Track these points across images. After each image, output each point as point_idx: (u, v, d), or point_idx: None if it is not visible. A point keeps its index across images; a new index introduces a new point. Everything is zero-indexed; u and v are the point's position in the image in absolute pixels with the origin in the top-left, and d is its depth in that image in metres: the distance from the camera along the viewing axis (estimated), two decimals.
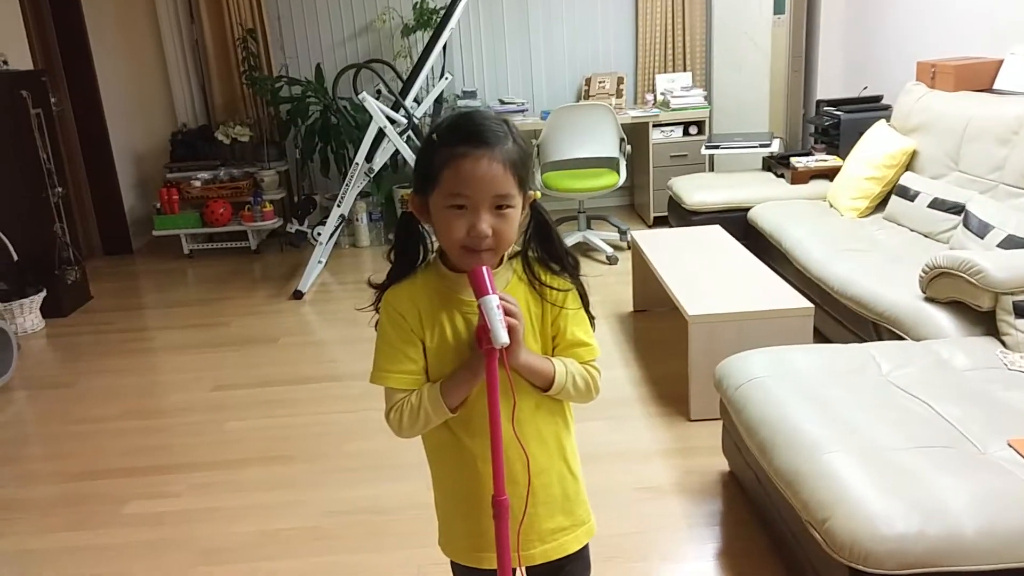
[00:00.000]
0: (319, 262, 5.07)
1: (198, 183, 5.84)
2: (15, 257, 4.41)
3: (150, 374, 3.94)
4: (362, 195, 5.52)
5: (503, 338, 1.18)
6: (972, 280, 2.58)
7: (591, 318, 1.41)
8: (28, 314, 4.47)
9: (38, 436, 3.35)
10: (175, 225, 5.81)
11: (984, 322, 2.62)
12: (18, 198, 4.55)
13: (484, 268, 1.21)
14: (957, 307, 2.71)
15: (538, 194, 1.35)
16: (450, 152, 1.21)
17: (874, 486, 1.73)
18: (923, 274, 2.82)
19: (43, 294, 4.55)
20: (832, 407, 2.10)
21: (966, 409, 2.04)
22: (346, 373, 3.75)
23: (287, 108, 5.94)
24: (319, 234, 5.01)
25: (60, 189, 4.73)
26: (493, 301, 1.20)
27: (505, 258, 1.34)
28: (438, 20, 5.34)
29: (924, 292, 2.84)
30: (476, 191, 1.21)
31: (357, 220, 5.82)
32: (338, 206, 4.97)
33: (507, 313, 1.21)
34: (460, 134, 1.23)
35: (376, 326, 1.37)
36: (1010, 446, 1.88)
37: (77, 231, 5.15)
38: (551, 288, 1.34)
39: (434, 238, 1.34)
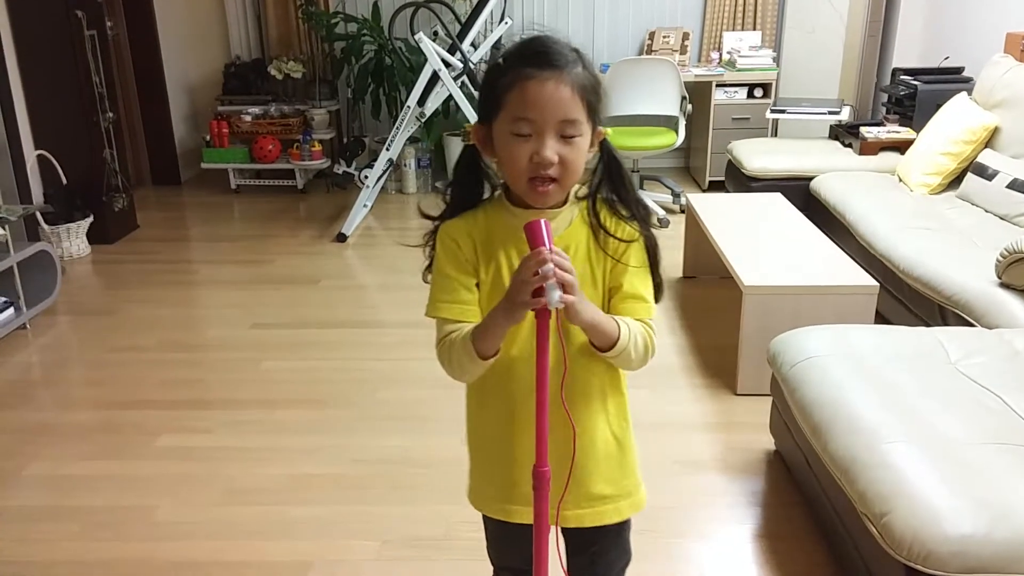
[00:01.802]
0: (364, 206, 4.99)
1: (248, 118, 5.78)
2: (64, 180, 4.41)
3: (191, 307, 3.93)
4: (411, 140, 5.41)
5: (556, 299, 1.09)
6: None
7: (658, 283, 1.29)
8: (74, 239, 4.49)
9: (78, 361, 3.36)
10: (223, 159, 5.77)
11: None
12: (69, 121, 4.53)
13: (543, 221, 1.13)
14: None
15: (609, 131, 1.25)
16: (516, 74, 1.15)
17: (939, 481, 1.61)
18: (1000, 258, 2.64)
19: (90, 220, 4.56)
20: (895, 393, 1.96)
21: None
22: (384, 320, 3.69)
23: (342, 46, 5.82)
24: (366, 177, 4.93)
25: (111, 115, 4.70)
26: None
27: (572, 195, 1.25)
28: None
29: (1000, 277, 2.66)
30: (542, 114, 1.14)
31: (405, 165, 5.72)
32: (387, 150, 4.88)
33: (560, 270, 1.10)
34: (527, 55, 1.16)
35: (428, 269, 1.30)
36: None
37: (127, 159, 5.13)
38: (614, 237, 1.24)
39: (498, 174, 1.26)
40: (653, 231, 1.28)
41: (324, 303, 3.90)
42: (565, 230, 1.24)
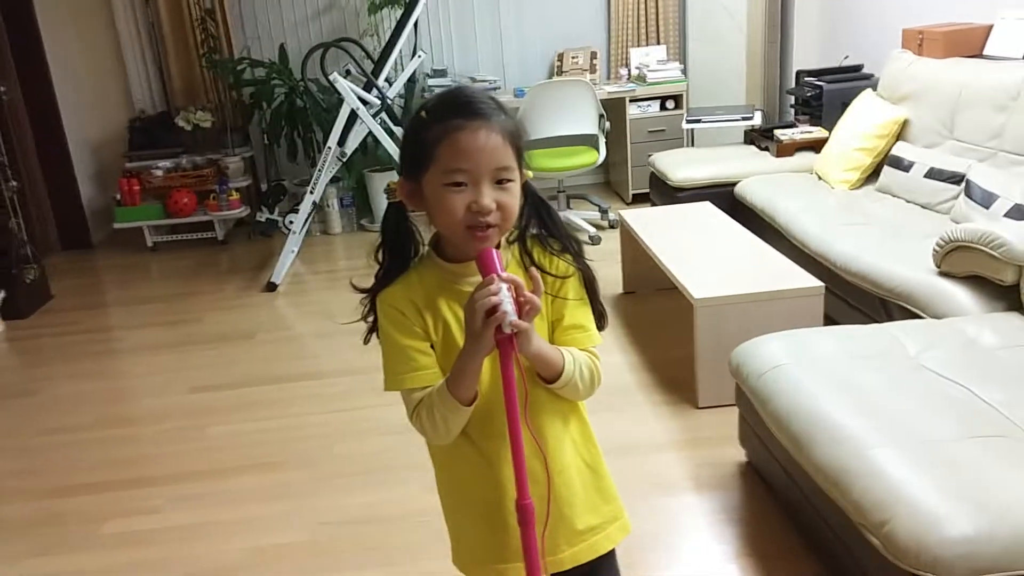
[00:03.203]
0: (291, 251, 4.84)
1: (159, 172, 5.54)
2: None
3: (121, 378, 3.72)
4: (333, 180, 5.29)
5: (508, 321, 1.09)
6: (994, 253, 2.47)
7: (600, 312, 1.31)
8: None
9: (2, 450, 3.11)
10: (137, 217, 5.52)
11: (1005, 297, 2.52)
12: None
13: (493, 250, 1.14)
14: (975, 281, 2.61)
15: (530, 173, 1.25)
16: (445, 126, 1.15)
17: (932, 483, 1.61)
18: (938, 248, 2.71)
19: (1, 295, 4.28)
20: (868, 396, 1.97)
21: (1009, 392, 1.93)
22: (328, 369, 3.56)
23: (250, 91, 5.67)
24: (291, 223, 4.79)
25: (14, 183, 4.44)
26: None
27: (503, 242, 1.24)
28: None
29: (939, 266, 2.73)
30: (476, 163, 1.14)
31: (328, 206, 5.60)
32: (310, 192, 4.75)
33: (519, 294, 1.11)
34: (453, 107, 1.17)
35: (373, 335, 1.29)
36: None
37: (34, 227, 4.86)
38: (550, 274, 1.25)
39: (426, 229, 1.26)
40: (588, 263, 1.29)
41: (262, 358, 3.74)
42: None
